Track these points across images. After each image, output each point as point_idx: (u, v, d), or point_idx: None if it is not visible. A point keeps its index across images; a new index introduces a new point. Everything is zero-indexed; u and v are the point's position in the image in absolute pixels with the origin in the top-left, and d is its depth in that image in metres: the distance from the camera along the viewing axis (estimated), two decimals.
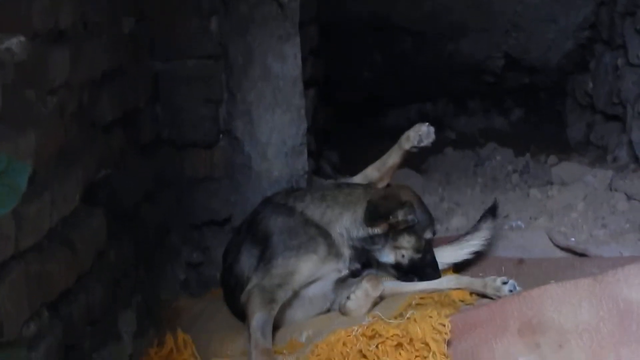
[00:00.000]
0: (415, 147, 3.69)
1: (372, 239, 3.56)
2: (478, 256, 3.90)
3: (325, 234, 3.53)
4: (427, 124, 3.70)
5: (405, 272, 3.62)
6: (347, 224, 3.55)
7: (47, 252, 2.69)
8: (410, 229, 3.57)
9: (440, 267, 3.74)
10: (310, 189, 3.81)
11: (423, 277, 3.61)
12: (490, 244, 3.92)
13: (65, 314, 2.82)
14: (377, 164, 3.79)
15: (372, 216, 3.51)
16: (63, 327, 2.77)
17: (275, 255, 3.46)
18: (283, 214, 3.57)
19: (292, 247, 3.46)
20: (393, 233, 3.56)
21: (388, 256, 3.61)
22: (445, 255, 3.79)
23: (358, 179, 3.83)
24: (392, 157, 3.74)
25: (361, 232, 3.55)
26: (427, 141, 3.69)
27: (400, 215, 3.50)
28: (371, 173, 3.78)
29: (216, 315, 3.69)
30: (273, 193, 3.88)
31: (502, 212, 4.64)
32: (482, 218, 3.95)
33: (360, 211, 3.56)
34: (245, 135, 4.08)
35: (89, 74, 3.15)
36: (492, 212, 3.95)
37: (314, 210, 3.56)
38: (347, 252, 3.56)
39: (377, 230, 3.54)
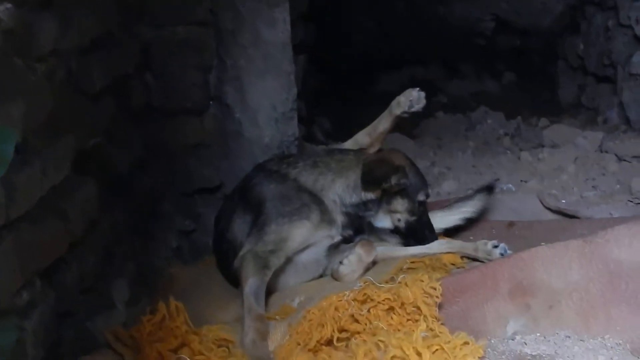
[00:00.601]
0: (406, 112, 3.69)
1: (365, 204, 3.57)
2: (469, 220, 3.91)
3: (318, 200, 3.53)
4: (417, 89, 3.70)
5: (405, 235, 3.63)
6: (339, 190, 3.56)
7: (39, 221, 2.69)
8: (403, 192, 3.59)
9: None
10: (302, 155, 3.80)
11: (421, 240, 3.64)
12: (482, 213, 3.93)
13: (58, 283, 2.83)
14: (368, 129, 3.79)
15: (367, 181, 3.52)
16: (56, 295, 2.78)
17: (269, 222, 3.46)
18: (276, 181, 3.57)
19: (285, 214, 3.46)
20: (387, 197, 3.58)
21: (383, 221, 3.62)
22: (436, 220, 3.79)
23: (349, 144, 3.83)
24: (383, 123, 3.74)
25: (354, 198, 3.56)
26: (418, 106, 3.69)
27: (394, 179, 3.51)
28: (362, 138, 3.78)
29: (209, 283, 3.70)
30: (265, 159, 3.88)
31: (494, 175, 4.65)
32: (479, 190, 3.95)
33: (352, 177, 3.56)
34: (235, 102, 4.07)
35: (78, 41, 3.13)
36: (489, 188, 3.94)
37: (307, 177, 3.57)
38: (340, 218, 3.57)
39: (370, 195, 3.55)
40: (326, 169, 3.59)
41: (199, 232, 4.13)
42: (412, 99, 3.66)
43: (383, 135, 3.76)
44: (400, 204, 3.61)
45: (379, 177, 3.54)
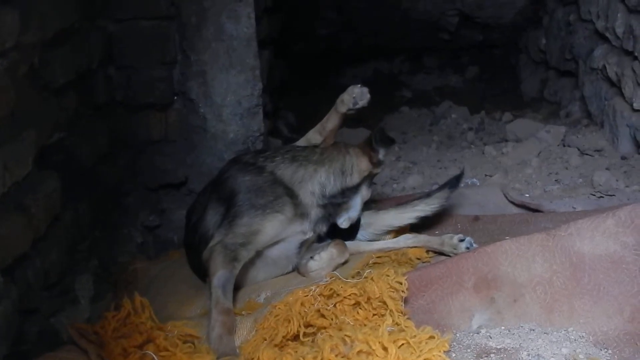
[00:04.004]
0: (351, 109, 3.69)
1: (343, 193, 3.59)
2: (434, 214, 3.91)
3: (292, 194, 3.52)
4: (359, 85, 3.69)
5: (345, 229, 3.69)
6: (322, 179, 3.56)
7: (1, 217, 2.67)
8: (372, 179, 3.71)
9: (384, 229, 3.81)
10: (280, 149, 3.78)
11: (353, 235, 3.73)
12: (440, 210, 3.93)
13: (21, 279, 2.81)
14: (318, 127, 3.79)
15: (382, 138, 3.64)
16: (19, 292, 2.76)
17: (240, 214, 3.44)
18: (251, 173, 3.55)
19: (259, 207, 3.45)
20: (368, 181, 3.67)
21: (355, 209, 3.67)
22: (387, 218, 3.82)
23: (301, 143, 3.83)
24: (331, 121, 3.73)
25: (337, 185, 3.57)
26: (362, 102, 3.68)
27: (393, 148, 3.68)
28: (313, 136, 3.78)
29: (174, 278, 3.68)
30: (241, 153, 3.89)
31: (458, 170, 4.68)
32: (442, 187, 3.95)
33: (337, 165, 3.59)
34: (200, 97, 4.06)
35: (41, 35, 3.10)
36: (455, 181, 3.93)
37: (284, 170, 3.56)
38: (313, 212, 3.55)
39: (357, 179, 3.61)
40: (306, 161, 3.60)
41: (164, 227, 4.12)
42: (355, 96, 3.65)
43: (333, 133, 3.76)
44: (367, 194, 3.70)
45: (390, 138, 3.71)
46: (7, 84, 2.74)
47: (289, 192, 3.51)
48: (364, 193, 3.68)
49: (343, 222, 3.65)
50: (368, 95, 3.64)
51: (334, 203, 3.58)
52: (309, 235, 3.57)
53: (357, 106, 3.64)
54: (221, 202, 3.52)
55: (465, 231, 3.68)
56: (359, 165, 3.63)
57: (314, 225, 3.56)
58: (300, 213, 3.51)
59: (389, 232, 3.79)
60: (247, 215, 3.41)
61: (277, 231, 3.46)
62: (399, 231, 3.78)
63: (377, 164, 3.67)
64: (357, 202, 3.66)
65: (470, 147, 5.25)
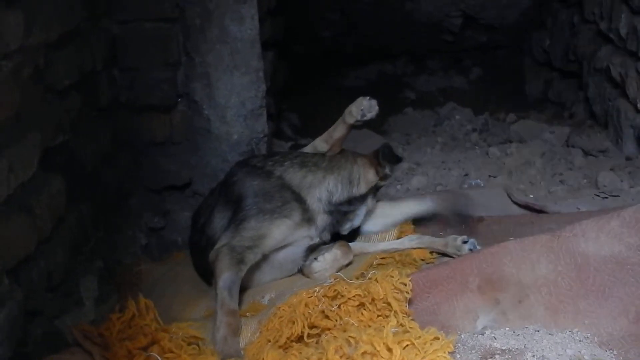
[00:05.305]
0: (359, 120, 3.68)
1: (349, 202, 3.60)
2: (439, 215, 3.91)
3: (300, 199, 3.52)
4: (368, 97, 3.69)
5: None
6: (330, 186, 3.57)
7: (6, 218, 2.67)
8: (378, 190, 3.71)
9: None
10: (288, 154, 3.78)
11: (352, 236, 3.75)
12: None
13: (26, 281, 2.81)
14: (325, 136, 3.79)
15: (388, 156, 3.70)
16: (24, 293, 2.76)
17: (248, 218, 3.44)
18: (259, 177, 3.55)
19: (266, 211, 3.45)
20: (374, 192, 3.69)
21: (359, 218, 3.68)
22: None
23: (308, 150, 3.83)
24: (338, 131, 3.73)
25: (345, 193, 3.59)
26: (370, 115, 3.68)
27: (397, 166, 3.74)
28: (320, 144, 3.78)
29: (177, 279, 3.68)
30: (249, 156, 3.89)
31: (462, 171, 4.68)
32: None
33: (345, 174, 3.62)
34: (204, 98, 4.06)
35: (45, 37, 3.11)
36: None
37: (293, 175, 3.56)
38: (321, 218, 3.56)
39: (363, 189, 3.63)
40: (315, 167, 3.61)
41: (168, 229, 4.11)
42: (363, 108, 3.64)
43: (340, 142, 3.76)
44: (372, 204, 3.73)
45: (397, 156, 3.76)
46: (11, 85, 2.74)
47: (297, 197, 3.51)
48: (369, 203, 3.71)
49: (345, 230, 3.67)
50: (376, 108, 3.64)
51: (341, 211, 3.60)
52: (316, 240, 3.57)
53: (365, 118, 3.64)
54: (229, 206, 3.52)
55: (470, 232, 3.68)
56: (366, 175, 3.67)
57: (320, 232, 3.57)
58: (307, 218, 3.52)
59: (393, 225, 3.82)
60: (254, 220, 3.42)
61: (284, 236, 3.47)
62: (402, 230, 3.79)
63: (383, 177, 3.71)
64: (362, 211, 3.69)
65: (474, 148, 5.25)
